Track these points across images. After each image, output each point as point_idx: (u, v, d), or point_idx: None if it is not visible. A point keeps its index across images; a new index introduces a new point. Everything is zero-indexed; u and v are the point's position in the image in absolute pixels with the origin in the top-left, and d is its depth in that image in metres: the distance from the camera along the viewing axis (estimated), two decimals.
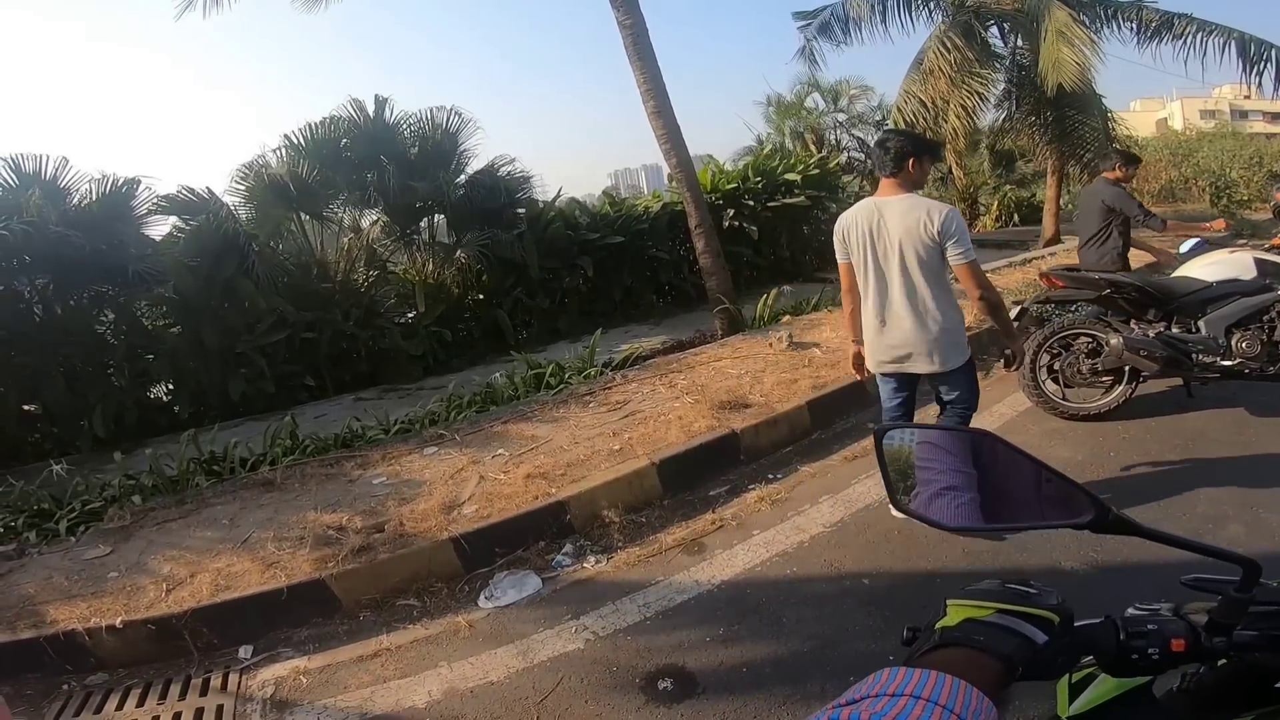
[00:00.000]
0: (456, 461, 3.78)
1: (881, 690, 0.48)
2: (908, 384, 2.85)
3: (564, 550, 3.06)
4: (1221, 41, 9.41)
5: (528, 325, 9.01)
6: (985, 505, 0.70)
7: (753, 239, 9.71)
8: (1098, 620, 0.68)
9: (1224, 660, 0.69)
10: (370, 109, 8.59)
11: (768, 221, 9.97)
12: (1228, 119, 40.38)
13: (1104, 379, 3.75)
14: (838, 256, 2.83)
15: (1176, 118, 43.94)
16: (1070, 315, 3.94)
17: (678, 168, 6.79)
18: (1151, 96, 48.71)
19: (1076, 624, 0.67)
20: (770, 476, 3.61)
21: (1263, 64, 9.29)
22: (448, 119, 9.00)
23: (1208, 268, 3.86)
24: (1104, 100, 10.66)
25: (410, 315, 8.41)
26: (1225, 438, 3.44)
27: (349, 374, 7.71)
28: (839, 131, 18.42)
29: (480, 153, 9.43)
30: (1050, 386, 3.83)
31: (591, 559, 2.98)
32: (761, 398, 4.24)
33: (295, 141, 8.25)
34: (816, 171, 10.81)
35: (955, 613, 0.64)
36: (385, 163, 8.41)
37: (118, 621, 2.60)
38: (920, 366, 2.69)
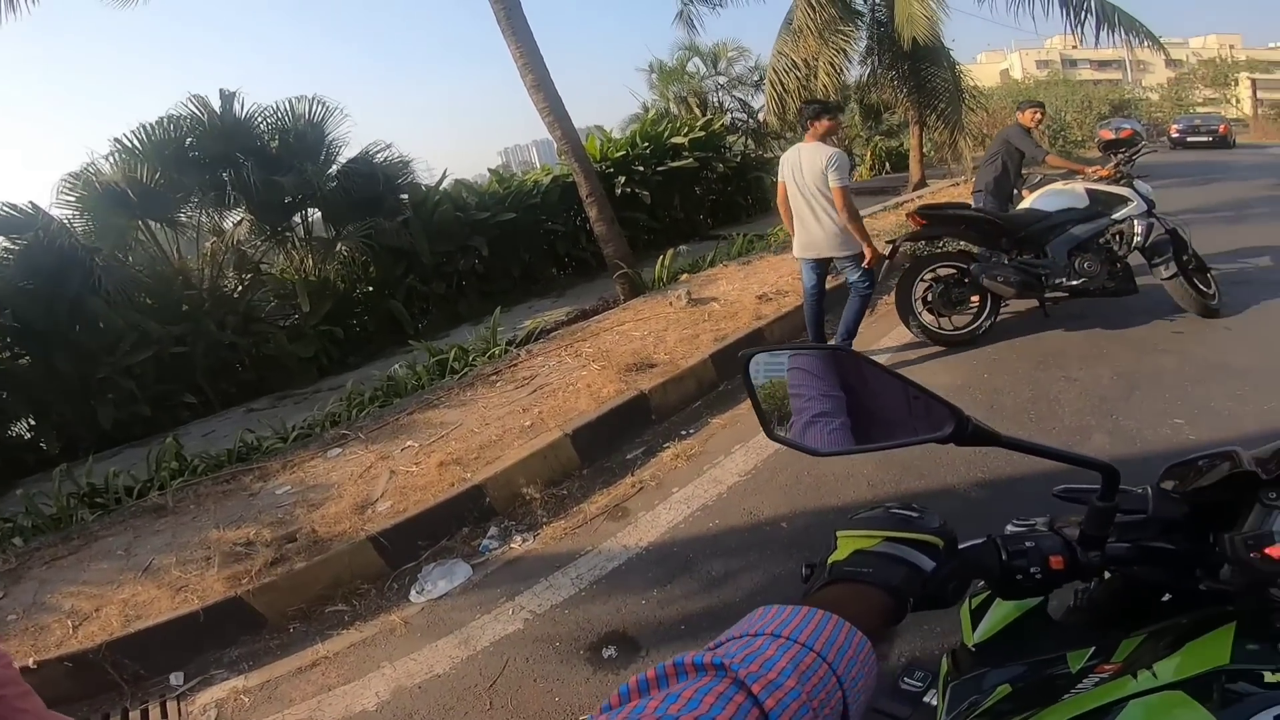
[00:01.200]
0: (364, 460, 3.63)
1: (746, 630, 0.46)
2: (819, 267, 4.03)
3: (489, 534, 3.00)
4: None
5: (426, 313, 8.69)
6: (855, 427, 0.68)
7: (646, 204, 9.78)
8: (980, 541, 0.67)
9: (1109, 574, 0.69)
10: (216, 104, 7.82)
11: (659, 185, 10.06)
12: (1059, 68, 44.67)
13: (970, 306, 4.09)
14: (780, 179, 4.00)
15: (1016, 68, 48.01)
16: (937, 249, 4.25)
17: (563, 139, 6.68)
18: (995, 49, 52.90)
19: (961, 546, 0.66)
20: (683, 433, 3.68)
21: (1084, 14, 10.14)
22: (310, 109, 8.36)
23: (1047, 199, 4.24)
24: (952, 53, 11.40)
25: (295, 316, 7.88)
26: (1080, 351, 3.84)
27: (234, 385, 7.20)
28: (721, 94, 18.70)
29: (354, 141, 8.88)
30: (926, 316, 4.13)
31: (518, 538, 2.95)
32: (666, 356, 4.30)
33: (129, 144, 7.38)
34: (702, 134, 10.98)
35: (845, 544, 0.63)
36: (242, 159, 7.76)
37: (30, 662, 2.41)
38: (824, 253, 3.92)
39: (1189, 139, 22.14)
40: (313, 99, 8.37)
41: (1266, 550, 0.57)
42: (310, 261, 8.49)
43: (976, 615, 0.78)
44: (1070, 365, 3.67)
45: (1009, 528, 0.70)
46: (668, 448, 3.51)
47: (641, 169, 9.87)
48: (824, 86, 10.31)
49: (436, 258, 8.41)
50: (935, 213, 4.24)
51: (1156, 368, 3.51)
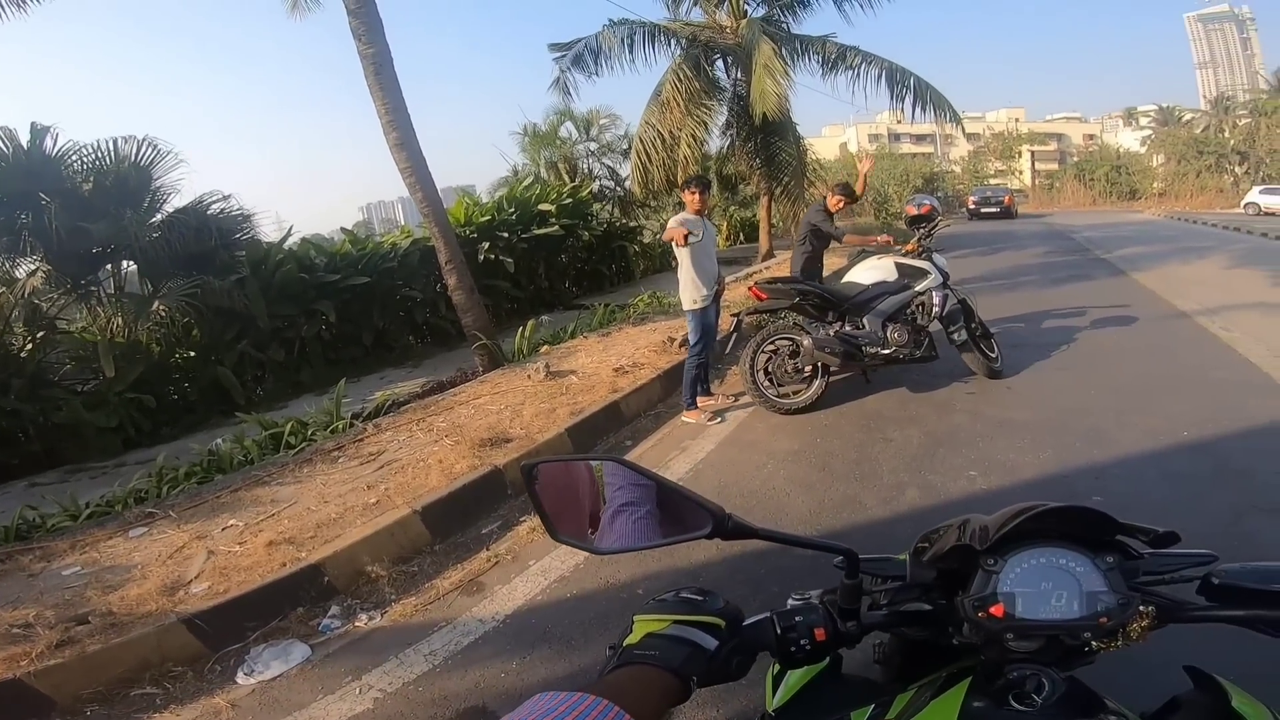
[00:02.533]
0: (175, 540, 3.27)
1: (523, 717, 0.47)
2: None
3: (330, 613, 2.78)
4: (877, 72, 11.64)
5: (261, 381, 7.94)
6: (631, 526, 0.71)
7: (510, 271, 9.72)
8: (760, 618, 0.72)
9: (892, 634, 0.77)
10: (24, 139, 6.85)
11: (524, 253, 10.07)
12: (886, 142, 51.31)
13: (804, 375, 4.43)
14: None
15: (853, 142, 54.41)
16: (776, 323, 4.59)
17: (424, 202, 6.49)
18: (837, 123, 59.82)
19: (746, 623, 0.71)
20: None
21: (904, 90, 11.65)
22: (137, 151, 7.54)
23: (865, 273, 4.76)
24: (799, 127, 12.66)
25: (95, 381, 6.88)
26: (895, 414, 4.28)
27: (16, 457, 6.18)
28: (591, 160, 19.34)
29: (191, 189, 8.07)
30: (766, 386, 4.41)
31: (364, 616, 2.75)
32: (522, 430, 4.23)
33: None
34: (569, 201, 11.21)
35: (639, 628, 0.67)
36: (46, 201, 6.79)
37: None
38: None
39: (983, 210, 26.11)
40: (142, 140, 7.58)
41: (991, 610, 0.66)
42: (120, 320, 7.48)
43: (777, 681, 0.82)
44: (887, 427, 4.07)
45: (789, 601, 0.75)
46: (524, 521, 3.43)
47: (507, 235, 9.85)
48: (686, 157, 11.00)
49: (275, 322, 7.73)
50: (773, 287, 4.60)
51: (954, 426, 3.98)
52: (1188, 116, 41.82)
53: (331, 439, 4.53)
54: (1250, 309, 6.46)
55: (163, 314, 7.47)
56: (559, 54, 11.66)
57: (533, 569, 2.95)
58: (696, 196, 4.22)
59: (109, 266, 7.72)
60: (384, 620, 2.73)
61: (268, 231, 8.81)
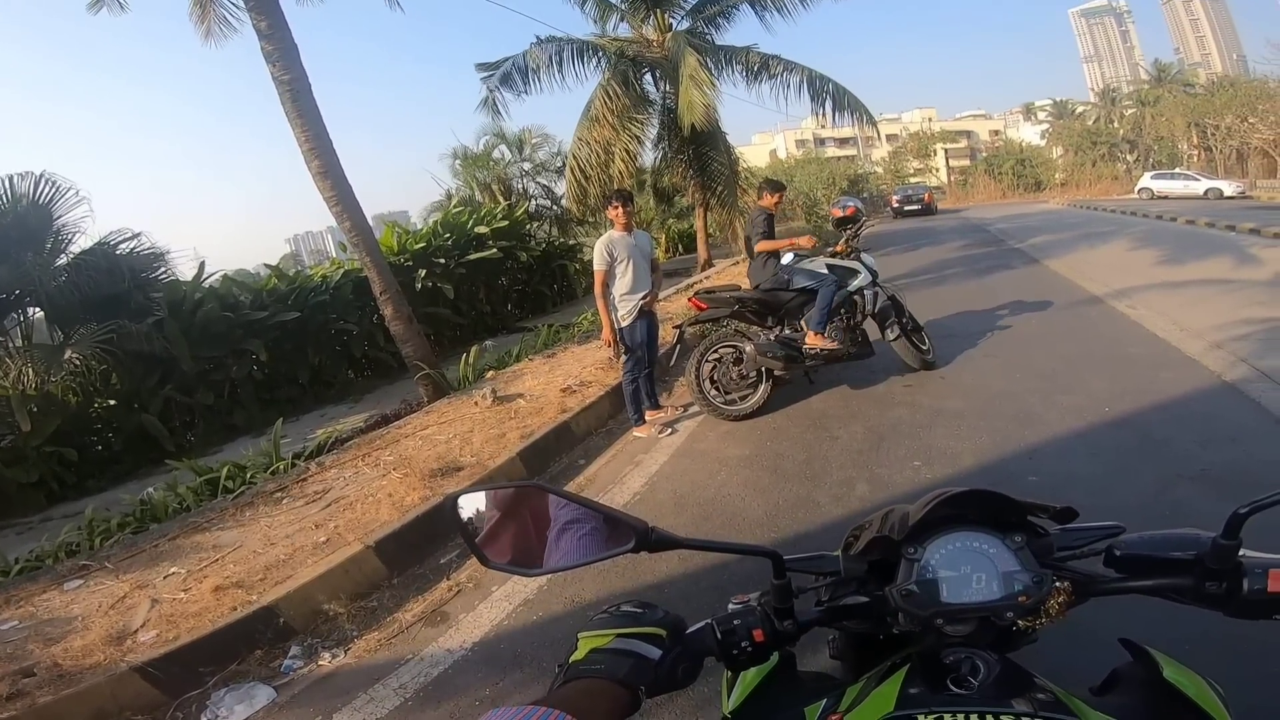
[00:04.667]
0: (114, 590, 3.14)
1: None
2: None
3: (290, 653, 2.67)
4: (798, 79, 11.97)
5: (191, 426, 7.55)
6: (559, 548, 0.73)
7: (449, 298, 9.54)
8: (702, 625, 0.74)
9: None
10: None
11: (463, 278, 9.91)
12: (812, 147, 53.21)
13: (750, 381, 4.50)
14: None
15: (782, 148, 56.15)
16: (718, 331, 4.66)
17: (353, 231, 6.30)
18: (766, 131, 61.56)
19: (689, 631, 0.73)
20: None
21: (824, 96, 12.02)
22: (35, 188, 7.04)
23: (799, 276, 4.88)
24: (729, 137, 12.93)
25: (10, 437, 6.41)
26: (838, 412, 4.39)
27: None
28: (525, 180, 19.25)
29: (96, 229, 7.57)
30: (713, 395, 4.46)
31: (327, 655, 2.65)
32: (473, 458, 4.14)
33: None
34: (505, 222, 11.09)
35: (584, 644, 0.68)
36: None
37: None
38: None
39: (906, 208, 27.52)
40: (40, 176, 7.09)
41: (915, 598, 0.68)
42: (31, 372, 6.97)
43: (732, 683, 0.82)
44: (833, 425, 4.17)
45: (730, 605, 0.77)
46: None
47: (443, 261, 9.68)
48: (620, 172, 11.05)
49: (201, 364, 7.36)
50: (711, 296, 4.67)
51: (896, 419, 4.12)
52: (1079, 109, 45.16)
53: (272, 480, 4.39)
54: (1154, 288, 6.95)
55: (77, 362, 7.05)
56: (487, 74, 11.56)
57: (496, 595, 2.89)
58: (620, 210, 4.25)
59: (14, 315, 7.18)
60: (348, 657, 2.65)
61: (185, 270, 8.37)
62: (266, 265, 9.21)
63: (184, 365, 7.19)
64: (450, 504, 0.73)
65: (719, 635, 0.72)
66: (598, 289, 4.30)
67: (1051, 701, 0.57)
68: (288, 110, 5.92)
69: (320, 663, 2.64)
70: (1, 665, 2.59)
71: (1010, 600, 0.67)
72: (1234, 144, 27.15)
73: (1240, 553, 0.65)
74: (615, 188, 6.40)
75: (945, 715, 0.54)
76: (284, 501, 4.00)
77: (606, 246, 4.23)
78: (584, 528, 0.72)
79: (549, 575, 2.46)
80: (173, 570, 3.28)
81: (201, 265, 8.50)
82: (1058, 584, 0.69)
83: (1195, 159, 31.32)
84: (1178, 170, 27.00)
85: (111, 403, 7.23)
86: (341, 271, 9.05)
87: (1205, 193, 22.90)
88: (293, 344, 8.09)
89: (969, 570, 0.69)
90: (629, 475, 3.92)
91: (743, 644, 0.72)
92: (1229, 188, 22.72)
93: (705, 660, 0.73)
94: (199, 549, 3.50)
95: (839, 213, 5.54)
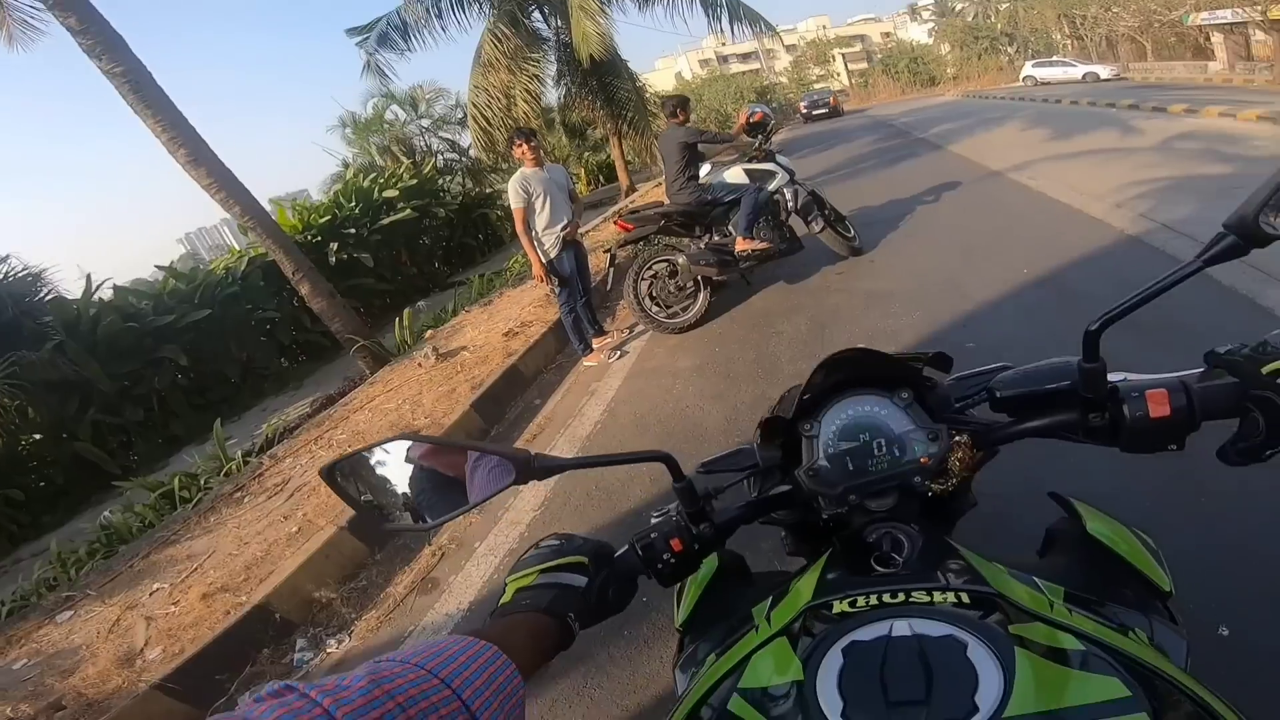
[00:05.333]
0: (107, 615, 3.11)
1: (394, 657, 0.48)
2: None
3: (298, 647, 2.69)
4: None
5: (129, 445, 7.17)
6: (449, 494, 0.70)
7: (369, 266, 9.12)
8: (625, 548, 0.71)
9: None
10: None
11: (379, 244, 9.48)
12: (716, 65, 52.40)
13: (689, 292, 4.55)
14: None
15: (687, 70, 54.98)
16: (650, 249, 4.65)
17: (245, 215, 5.92)
18: (668, 55, 59.83)
19: (617, 554, 0.71)
20: None
21: (719, 10, 11.66)
22: None
23: (719, 190, 4.86)
24: (630, 64, 12.54)
25: None
26: (779, 308, 4.51)
27: None
28: (427, 136, 18.33)
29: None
30: (655, 310, 4.49)
31: (331, 642, 2.67)
32: (426, 419, 4.08)
33: None
34: (414, 182, 10.60)
35: (510, 587, 0.66)
36: None
37: None
38: None
39: (814, 112, 27.83)
40: None
41: (817, 466, 0.68)
42: None
43: (680, 596, 0.81)
44: (776, 321, 4.29)
45: (651, 518, 0.74)
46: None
47: (354, 230, 9.18)
48: (524, 114, 10.62)
49: (118, 381, 6.89)
50: (636, 216, 4.64)
51: (834, 306, 4.27)
52: (959, 6, 45.83)
53: (229, 482, 4.30)
54: (1047, 160, 7.30)
55: None
56: (360, 37, 10.73)
57: (479, 551, 2.91)
58: (525, 148, 4.15)
59: None
60: (353, 640, 2.66)
61: (72, 289, 7.68)
62: (157, 267, 8.52)
63: (101, 385, 6.71)
64: (326, 475, 0.68)
65: (640, 553, 0.70)
66: (519, 227, 4.22)
67: (967, 569, 0.54)
68: (132, 103, 5.44)
69: (328, 650, 2.65)
70: (32, 703, 2.61)
71: (913, 462, 0.65)
72: (1102, 31, 28.31)
73: (1122, 377, 0.63)
74: (530, 128, 6.13)
75: (859, 598, 0.51)
76: (245, 500, 3.93)
77: (520, 184, 4.13)
78: (465, 469, 0.70)
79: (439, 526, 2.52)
80: (156, 586, 3.24)
81: (89, 279, 7.80)
82: (957, 438, 0.67)
83: (1069, 48, 32.55)
84: (1056, 58, 28.11)
85: (37, 437, 6.81)
86: (244, 260, 8.47)
87: (1084, 77, 24.03)
88: (213, 343, 7.61)
89: (867, 438, 0.67)
90: (586, 406, 3.94)
91: (664, 557, 0.69)
92: (1105, 71, 23.89)
93: (639, 579, 0.71)
94: (175, 562, 3.45)
95: (748, 118, 5.51)
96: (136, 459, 6.94)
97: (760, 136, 5.13)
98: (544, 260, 4.27)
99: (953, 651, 0.44)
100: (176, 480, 4.48)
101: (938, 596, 0.50)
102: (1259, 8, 15.56)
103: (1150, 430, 0.59)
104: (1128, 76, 23.27)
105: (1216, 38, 20.03)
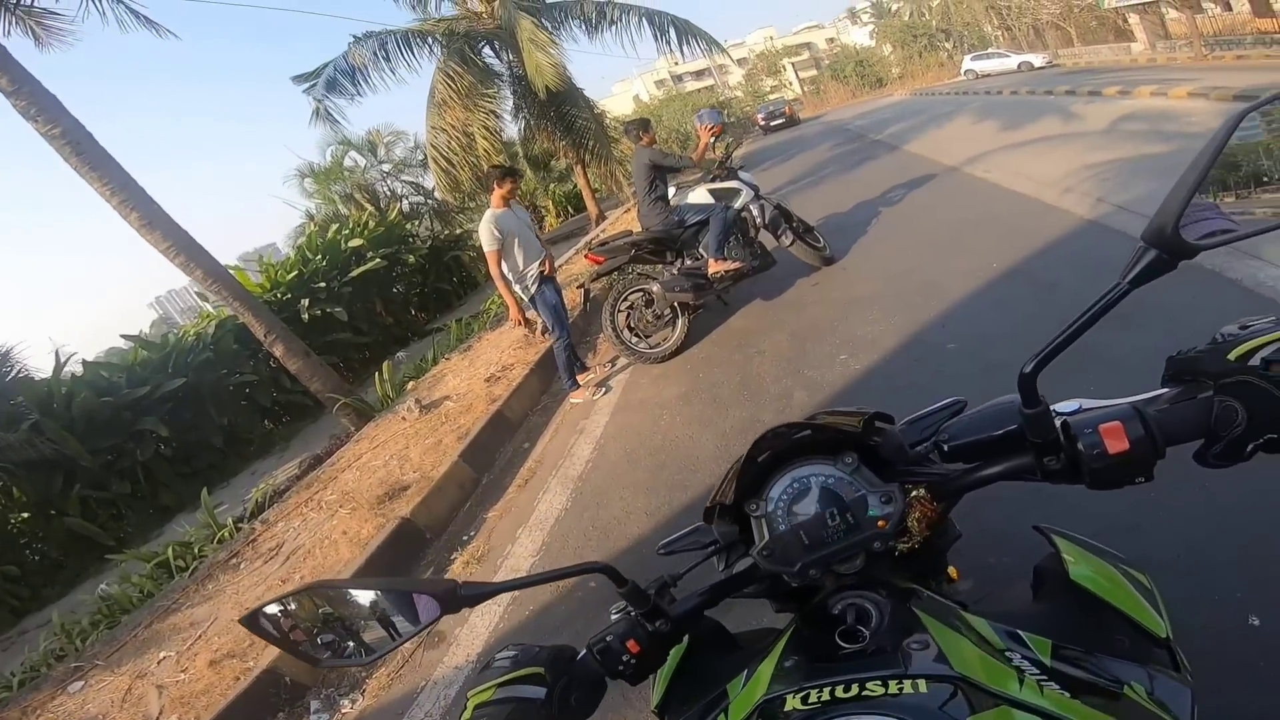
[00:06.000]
0: (118, 685, 3.13)
1: None
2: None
3: (313, 710, 2.67)
4: (636, 19, 11.71)
5: (120, 518, 7.11)
6: (367, 635, 0.68)
7: (343, 320, 9.03)
8: (584, 652, 0.70)
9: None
10: None
11: (352, 296, 9.38)
12: (671, 85, 53.25)
13: (666, 319, 4.56)
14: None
15: (643, 92, 55.81)
16: (623, 279, 4.67)
17: (208, 278, 5.81)
18: (624, 79, 60.54)
19: (578, 658, 0.69)
20: (464, 538, 3.48)
21: (666, 31, 11.87)
22: None
23: (687, 213, 4.90)
24: (586, 91, 12.65)
25: None
26: (758, 327, 4.53)
27: None
28: (389, 181, 18.29)
29: None
30: (634, 341, 4.50)
31: (346, 702, 2.65)
32: (415, 473, 4.03)
33: None
34: (381, 229, 10.52)
35: (470, 703, 0.65)
36: None
37: None
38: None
39: (771, 124, 28.38)
40: None
41: (770, 546, 0.65)
42: None
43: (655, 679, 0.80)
44: (757, 340, 4.31)
45: (612, 615, 0.73)
46: (455, 558, 3.32)
47: (324, 285, 9.09)
48: (486, 150, 10.62)
49: (100, 456, 6.81)
50: (606, 248, 4.65)
51: (813, 319, 4.29)
52: (895, 7, 47.30)
53: (223, 549, 4.30)
54: (999, 152, 7.50)
55: None
56: (307, 84, 10.64)
57: (480, 604, 2.89)
58: (510, 186, 4.22)
59: None
60: (366, 699, 2.64)
61: (44, 362, 7.57)
62: (124, 337, 8.35)
63: (83, 462, 6.64)
64: (247, 623, 0.66)
65: (597, 658, 0.68)
66: (493, 270, 4.24)
67: (931, 645, 0.51)
68: (75, 166, 5.33)
69: (343, 710, 2.64)
70: None
71: (871, 529, 0.62)
72: (1028, 21, 29.47)
73: (1076, 406, 0.61)
74: (489, 167, 6.15)
75: (811, 692, 0.49)
76: (241, 566, 3.91)
77: (492, 225, 4.13)
78: (387, 607, 0.67)
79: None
80: (163, 655, 3.27)
81: (57, 354, 7.65)
82: (913, 494, 0.65)
83: (1000, 39, 33.77)
84: (991, 50, 29.18)
85: (25, 515, 6.80)
86: (214, 324, 8.34)
87: (1019, 66, 24.90)
88: (192, 411, 7.49)
89: (819, 509, 0.64)
90: (576, 445, 3.91)
91: (624, 658, 0.67)
92: (1038, 60, 24.76)
93: (605, 681, 0.69)
94: (178, 630, 3.46)
95: (709, 135, 5.54)
96: (130, 530, 6.91)
97: (723, 156, 5.20)
98: (527, 300, 4.27)
99: None
100: (170, 550, 4.48)
101: (893, 687, 0.47)
102: None
103: (1113, 466, 0.54)
104: (1059, 63, 24.04)
105: (1133, 19, 20.75)
